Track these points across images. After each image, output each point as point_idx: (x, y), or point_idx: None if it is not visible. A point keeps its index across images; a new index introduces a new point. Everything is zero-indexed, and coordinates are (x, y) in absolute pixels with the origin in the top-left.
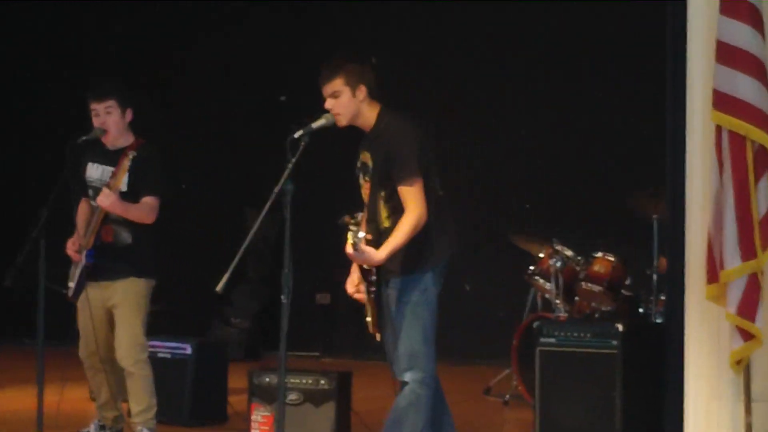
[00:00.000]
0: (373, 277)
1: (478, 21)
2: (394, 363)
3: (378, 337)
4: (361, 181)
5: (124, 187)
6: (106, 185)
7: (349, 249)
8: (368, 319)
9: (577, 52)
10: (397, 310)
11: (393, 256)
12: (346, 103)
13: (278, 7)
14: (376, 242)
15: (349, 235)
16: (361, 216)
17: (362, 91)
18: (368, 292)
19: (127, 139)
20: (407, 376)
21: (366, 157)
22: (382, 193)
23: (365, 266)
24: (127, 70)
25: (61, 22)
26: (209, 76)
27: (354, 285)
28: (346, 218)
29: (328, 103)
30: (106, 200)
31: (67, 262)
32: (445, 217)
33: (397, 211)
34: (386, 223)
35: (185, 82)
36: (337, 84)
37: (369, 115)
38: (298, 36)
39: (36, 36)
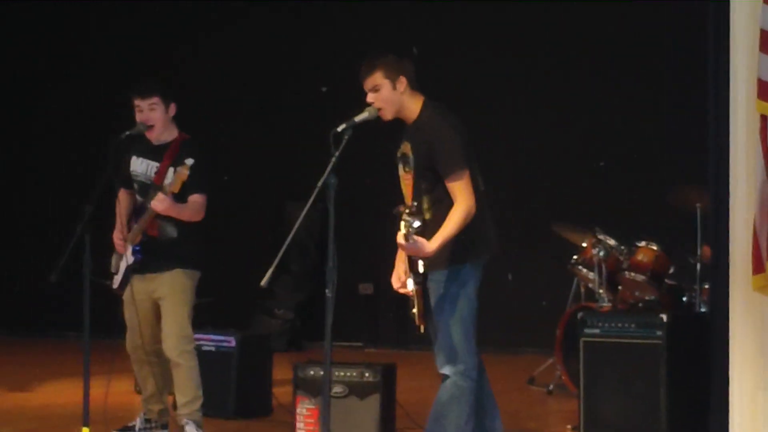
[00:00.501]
0: (421, 269)
1: (509, 14)
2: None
3: (422, 328)
4: (401, 172)
5: (169, 182)
6: (162, 189)
7: (400, 239)
8: (414, 311)
9: (621, 44)
10: (437, 303)
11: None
12: (388, 96)
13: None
14: (422, 234)
15: (402, 224)
16: (415, 205)
17: (402, 83)
18: (415, 284)
19: (171, 134)
20: (447, 369)
21: (407, 148)
22: (423, 185)
23: (413, 257)
24: (167, 61)
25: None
26: (251, 68)
27: (399, 279)
28: (401, 207)
29: (370, 97)
30: (161, 205)
31: (109, 254)
32: (486, 215)
33: (438, 203)
34: (427, 215)
35: (228, 75)
36: (377, 77)
37: (412, 106)
38: (340, 27)
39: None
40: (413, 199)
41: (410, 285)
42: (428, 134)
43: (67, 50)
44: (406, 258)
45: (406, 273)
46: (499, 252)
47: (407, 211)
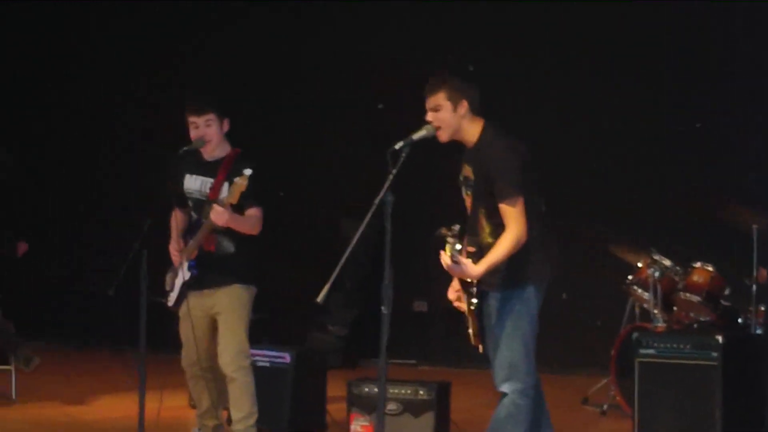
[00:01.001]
0: (474, 289)
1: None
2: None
3: (480, 348)
4: (464, 194)
5: (223, 196)
6: (219, 202)
7: (446, 261)
8: (469, 330)
9: (682, 60)
10: (498, 321)
11: (494, 271)
12: (447, 117)
13: (379, 13)
14: (478, 257)
15: (447, 247)
16: (458, 228)
17: (463, 107)
18: (469, 304)
19: (223, 149)
20: (506, 387)
21: (468, 171)
22: (483, 210)
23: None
24: (228, 80)
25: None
26: (308, 84)
27: (455, 291)
28: (443, 230)
29: (429, 116)
30: (221, 217)
31: (164, 270)
32: (548, 236)
33: (499, 228)
34: (489, 239)
35: (285, 91)
36: (439, 98)
37: (471, 130)
38: (397, 44)
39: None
40: (469, 222)
41: (467, 304)
42: (488, 158)
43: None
44: (459, 280)
45: (461, 288)
46: (559, 272)
47: (450, 234)
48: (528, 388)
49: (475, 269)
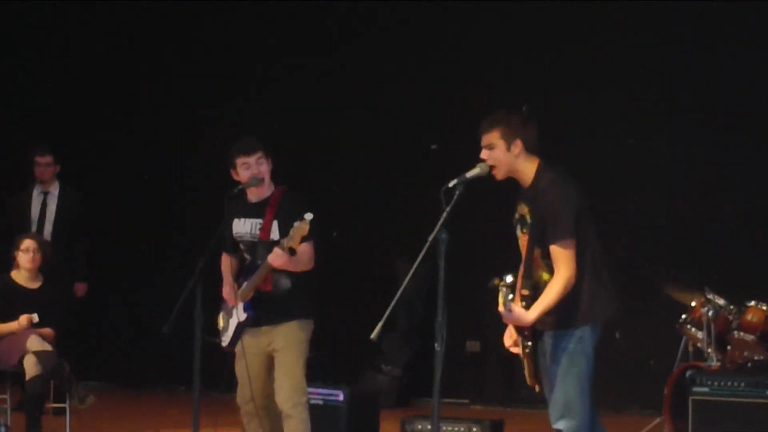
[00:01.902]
0: (527, 333)
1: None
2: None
3: (537, 388)
4: (519, 233)
5: (276, 237)
6: (279, 245)
7: (501, 308)
8: (525, 372)
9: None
10: (553, 359)
11: (550, 312)
12: (500, 156)
13: (434, 50)
14: (533, 298)
15: (500, 295)
16: (510, 279)
17: (518, 146)
18: (524, 347)
19: (269, 189)
20: (561, 425)
21: (524, 211)
22: (539, 250)
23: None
24: (282, 119)
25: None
26: (363, 123)
27: (511, 338)
28: (496, 281)
29: (483, 154)
30: (279, 260)
31: (214, 309)
32: (604, 275)
33: (551, 270)
34: (545, 278)
35: (337, 130)
36: (493, 137)
37: (526, 170)
38: (451, 84)
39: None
40: (525, 264)
41: (522, 346)
42: (543, 199)
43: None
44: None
45: (516, 333)
46: (619, 313)
47: (502, 283)
48: (583, 426)
49: (527, 316)
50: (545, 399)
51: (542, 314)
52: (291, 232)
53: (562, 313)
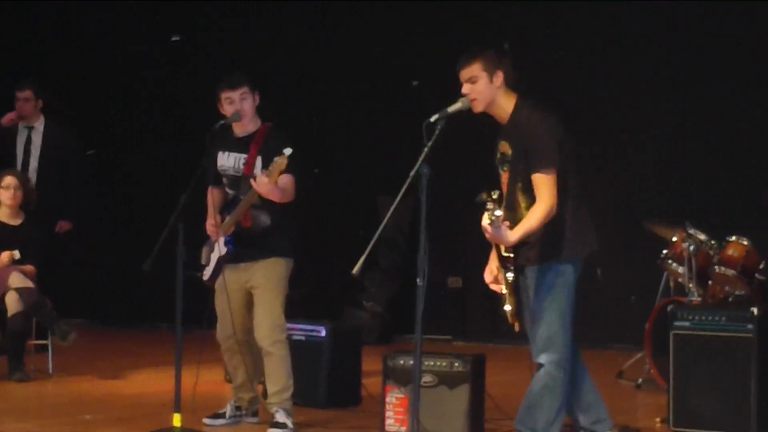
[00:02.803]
0: (511, 264)
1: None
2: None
3: (517, 326)
4: (500, 171)
5: (258, 172)
6: (266, 174)
7: (485, 223)
8: (506, 308)
9: (719, 40)
10: (536, 295)
11: (531, 246)
12: (483, 88)
13: None
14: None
15: (486, 213)
16: (498, 193)
17: (499, 78)
18: (506, 280)
19: (255, 124)
20: (543, 358)
21: (505, 147)
22: (521, 184)
23: (504, 253)
24: (262, 56)
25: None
26: (343, 62)
27: (492, 274)
28: (484, 195)
29: (465, 88)
30: (265, 187)
31: (199, 246)
32: (585, 210)
33: (533, 202)
34: (525, 213)
35: (319, 69)
36: (475, 69)
37: (505, 104)
38: (431, 21)
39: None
40: (507, 195)
41: (505, 279)
42: (525, 131)
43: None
44: (497, 254)
45: (498, 268)
46: (600, 249)
47: (490, 198)
48: (564, 360)
49: (511, 235)
50: (525, 336)
51: (525, 236)
52: (270, 167)
53: (544, 248)
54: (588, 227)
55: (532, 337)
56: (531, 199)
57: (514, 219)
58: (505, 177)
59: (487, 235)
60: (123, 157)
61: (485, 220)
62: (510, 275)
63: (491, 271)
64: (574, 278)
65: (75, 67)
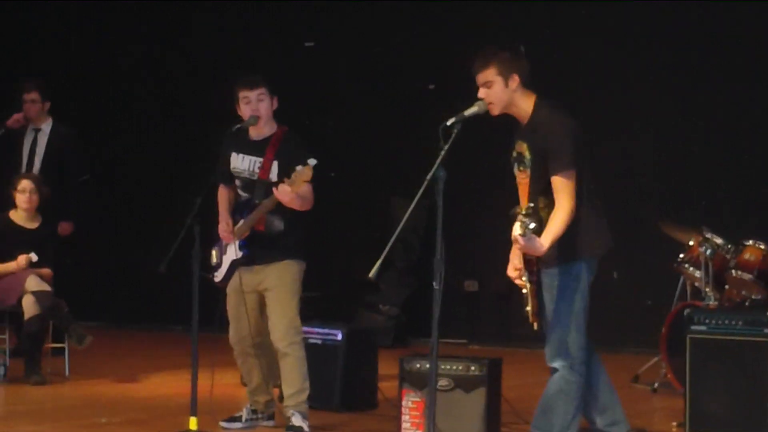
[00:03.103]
0: (535, 267)
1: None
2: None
3: (536, 326)
4: (516, 171)
5: (275, 177)
6: (289, 182)
7: (516, 235)
8: (528, 308)
9: (734, 41)
10: (549, 296)
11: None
12: (499, 92)
13: None
14: (538, 233)
15: (518, 225)
16: (532, 206)
17: (515, 81)
18: (530, 282)
19: (271, 128)
20: (557, 363)
21: (522, 148)
22: (539, 186)
23: (528, 256)
24: (278, 59)
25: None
26: (360, 64)
27: (515, 269)
28: (517, 209)
29: (481, 93)
30: (287, 196)
31: (208, 245)
32: (599, 211)
33: (552, 202)
34: (542, 213)
35: (336, 71)
36: (490, 74)
37: (524, 105)
38: (448, 24)
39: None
40: (529, 199)
41: (525, 282)
42: (544, 133)
43: (167, 42)
44: (521, 255)
45: (521, 265)
46: (611, 249)
47: (523, 212)
48: (578, 363)
49: (542, 245)
50: (541, 338)
51: (552, 243)
52: (293, 177)
53: (560, 249)
54: (603, 226)
55: (547, 340)
56: (548, 200)
57: (537, 221)
58: (521, 177)
59: (517, 246)
60: (132, 157)
61: (516, 231)
62: (534, 278)
63: (515, 266)
64: (589, 279)
65: (75, 67)
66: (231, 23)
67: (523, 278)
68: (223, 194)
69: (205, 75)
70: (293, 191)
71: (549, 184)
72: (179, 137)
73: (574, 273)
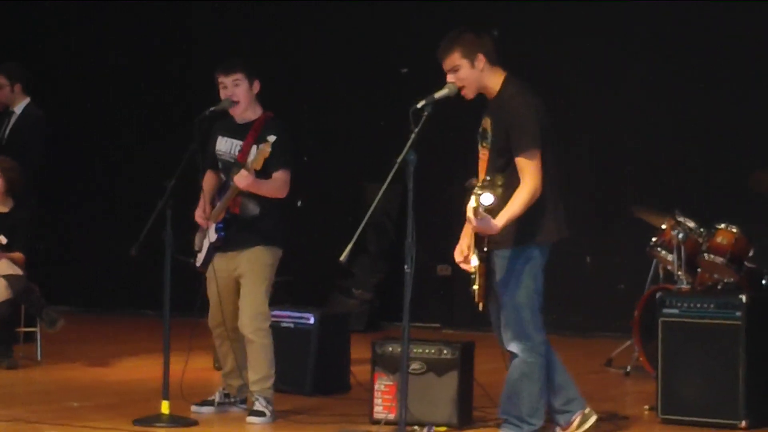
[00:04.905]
0: (483, 247)
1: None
2: (501, 333)
3: (481, 306)
4: (479, 146)
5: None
6: (244, 166)
7: (470, 213)
8: (474, 287)
9: (703, 29)
10: (503, 280)
11: (503, 228)
12: (467, 75)
13: None
14: (490, 211)
15: (473, 198)
16: (488, 180)
17: (481, 61)
18: (480, 261)
19: (255, 112)
20: (515, 347)
21: (487, 124)
22: (499, 163)
23: (479, 234)
24: (252, 45)
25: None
26: (331, 49)
27: (462, 254)
28: (473, 181)
29: (450, 78)
30: (244, 181)
31: (191, 232)
32: (558, 198)
33: (510, 181)
34: (498, 192)
35: (308, 56)
36: (455, 58)
37: (493, 81)
38: (418, 6)
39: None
40: (486, 175)
41: (473, 261)
42: (508, 111)
43: (142, 32)
44: (472, 234)
45: (469, 248)
46: (568, 235)
47: (480, 185)
48: (537, 344)
49: (495, 224)
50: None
51: (509, 222)
52: (255, 154)
53: (514, 232)
54: (560, 213)
55: (501, 322)
56: (507, 178)
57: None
58: (482, 152)
59: (470, 225)
60: (109, 143)
61: (471, 204)
62: (481, 257)
63: (461, 250)
64: (542, 263)
65: (57, 55)
66: (210, 15)
67: (472, 257)
68: (208, 180)
69: (185, 63)
70: (252, 170)
71: (508, 162)
72: (156, 123)
73: (527, 256)
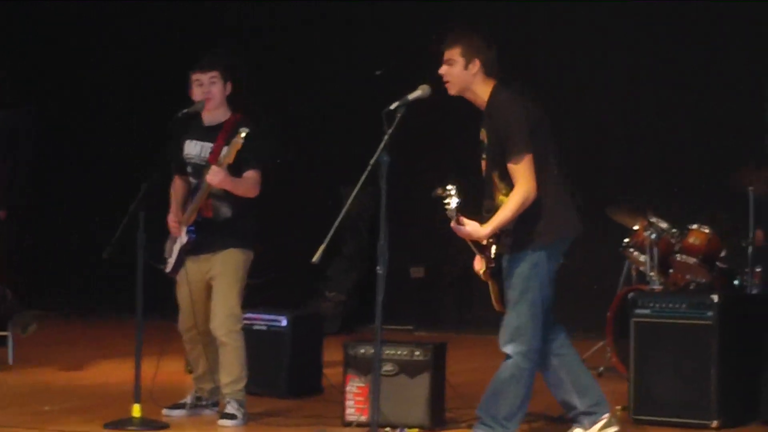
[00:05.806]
0: (489, 254)
1: None
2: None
3: (498, 308)
4: (482, 158)
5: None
6: (216, 162)
7: (452, 223)
8: (491, 295)
9: (680, 25)
10: (508, 283)
11: (508, 233)
12: (458, 73)
13: None
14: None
15: (447, 208)
16: (454, 187)
17: (475, 66)
18: (487, 268)
19: (224, 114)
20: (509, 348)
21: (483, 135)
22: (497, 172)
23: (471, 241)
24: (224, 41)
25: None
26: (306, 51)
27: (480, 261)
28: (439, 191)
29: (441, 69)
30: (216, 177)
31: (163, 236)
32: (563, 196)
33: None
34: (504, 200)
35: (281, 58)
36: (454, 53)
37: (480, 91)
38: (395, 11)
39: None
40: (486, 185)
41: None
42: (497, 119)
43: (118, 29)
44: (474, 243)
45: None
46: (577, 234)
47: (445, 193)
48: (532, 351)
49: (481, 229)
50: (491, 324)
51: (498, 228)
52: (228, 148)
53: (517, 235)
54: (568, 213)
55: (502, 324)
56: (510, 186)
57: (492, 207)
58: (483, 164)
59: (457, 234)
60: (82, 144)
61: (453, 221)
62: (491, 265)
63: (480, 259)
64: (550, 267)
65: (37, 55)
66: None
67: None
68: (176, 186)
69: (159, 61)
70: (224, 165)
71: (506, 170)
72: (135, 125)
73: (532, 260)
